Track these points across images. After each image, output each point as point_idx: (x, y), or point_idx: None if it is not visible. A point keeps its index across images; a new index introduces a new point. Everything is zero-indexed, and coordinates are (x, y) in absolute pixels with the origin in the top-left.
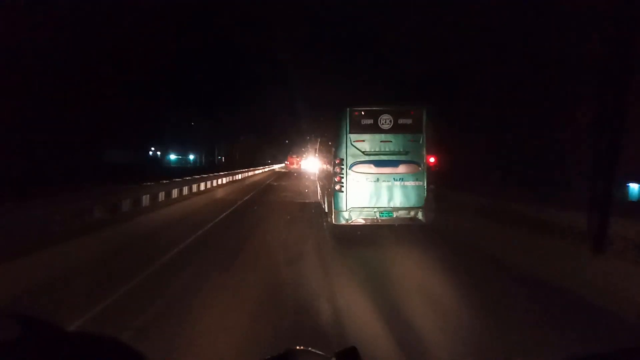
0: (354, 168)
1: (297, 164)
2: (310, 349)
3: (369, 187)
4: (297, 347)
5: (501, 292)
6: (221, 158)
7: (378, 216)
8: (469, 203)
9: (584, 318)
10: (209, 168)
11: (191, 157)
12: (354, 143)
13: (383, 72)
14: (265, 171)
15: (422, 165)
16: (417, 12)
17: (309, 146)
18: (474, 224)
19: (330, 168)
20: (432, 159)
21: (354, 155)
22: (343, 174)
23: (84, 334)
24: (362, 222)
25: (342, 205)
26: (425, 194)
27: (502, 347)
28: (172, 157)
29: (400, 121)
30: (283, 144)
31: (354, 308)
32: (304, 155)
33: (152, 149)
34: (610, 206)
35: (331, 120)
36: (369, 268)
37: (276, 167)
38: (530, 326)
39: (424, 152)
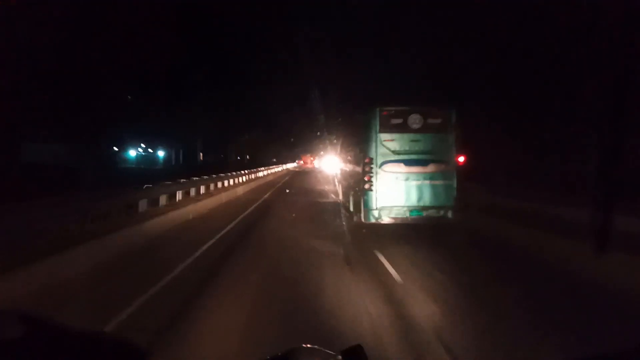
0: (383, 167)
1: (310, 163)
2: (316, 346)
3: (399, 186)
4: (304, 345)
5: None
6: (202, 157)
7: (408, 215)
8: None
9: (586, 315)
10: (188, 171)
11: (160, 153)
12: (383, 142)
13: (393, 69)
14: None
15: (451, 164)
16: (434, 10)
17: (324, 144)
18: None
19: (358, 167)
20: (461, 159)
21: (383, 155)
22: (373, 173)
23: (85, 334)
24: (391, 220)
25: (372, 204)
26: (455, 193)
27: (504, 346)
28: (132, 153)
29: (430, 121)
30: (289, 142)
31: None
32: (318, 154)
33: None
34: (613, 203)
35: (358, 120)
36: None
37: (290, 166)
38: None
39: (453, 152)
